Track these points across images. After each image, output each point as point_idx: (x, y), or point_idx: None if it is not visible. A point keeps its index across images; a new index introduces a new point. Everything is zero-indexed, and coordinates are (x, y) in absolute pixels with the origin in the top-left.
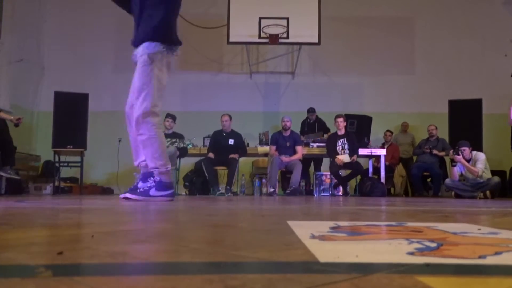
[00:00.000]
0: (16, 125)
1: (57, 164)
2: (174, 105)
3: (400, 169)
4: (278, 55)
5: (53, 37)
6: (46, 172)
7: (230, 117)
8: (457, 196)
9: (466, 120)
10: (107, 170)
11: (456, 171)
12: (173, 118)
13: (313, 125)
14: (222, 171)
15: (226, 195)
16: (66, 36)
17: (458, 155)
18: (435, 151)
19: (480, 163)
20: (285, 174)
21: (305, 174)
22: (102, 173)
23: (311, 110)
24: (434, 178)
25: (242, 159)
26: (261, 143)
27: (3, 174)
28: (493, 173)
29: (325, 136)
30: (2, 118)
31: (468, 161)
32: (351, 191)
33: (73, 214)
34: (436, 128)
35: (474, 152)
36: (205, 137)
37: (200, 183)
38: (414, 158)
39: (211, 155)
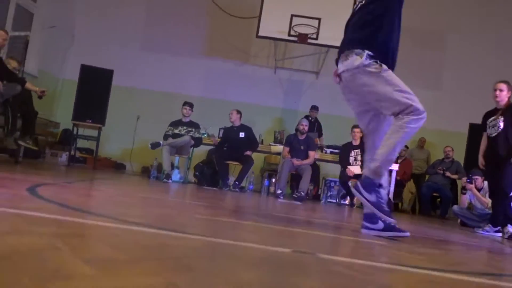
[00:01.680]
0: (40, 97)
1: (74, 135)
2: (195, 89)
3: (410, 185)
4: (305, 54)
5: (86, 6)
6: (63, 140)
7: (238, 111)
8: (463, 224)
9: None
10: (122, 145)
11: (465, 199)
12: (191, 106)
13: (313, 124)
14: (234, 164)
15: (233, 189)
16: (99, 7)
17: (471, 183)
18: (448, 173)
19: None
20: (295, 176)
21: (315, 178)
22: (117, 148)
23: (314, 108)
24: (443, 200)
25: (254, 154)
26: (276, 141)
27: (22, 143)
28: None
29: (320, 139)
30: (28, 89)
31: (479, 190)
32: (359, 201)
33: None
34: (453, 150)
35: (485, 183)
36: (220, 128)
37: (210, 174)
38: (427, 176)
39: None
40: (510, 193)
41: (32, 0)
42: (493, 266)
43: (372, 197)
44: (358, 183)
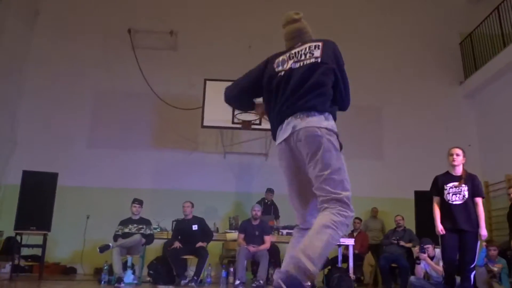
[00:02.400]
0: None
1: (18, 245)
2: (146, 182)
3: (369, 258)
4: (251, 138)
5: (28, 112)
6: (7, 249)
7: (192, 204)
8: None
9: (431, 211)
10: (72, 248)
11: (421, 268)
12: (140, 203)
13: (269, 207)
14: (190, 258)
15: (191, 284)
16: (41, 112)
17: (424, 253)
18: (402, 243)
19: None
20: (255, 262)
21: (275, 262)
22: (67, 251)
23: (270, 190)
24: (401, 271)
25: (211, 243)
26: (231, 227)
27: None
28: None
29: (276, 221)
30: None
31: (432, 258)
32: (320, 280)
33: None
34: (403, 218)
35: (437, 250)
36: (173, 221)
37: (165, 271)
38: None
39: (177, 244)
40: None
41: None
42: None
43: None
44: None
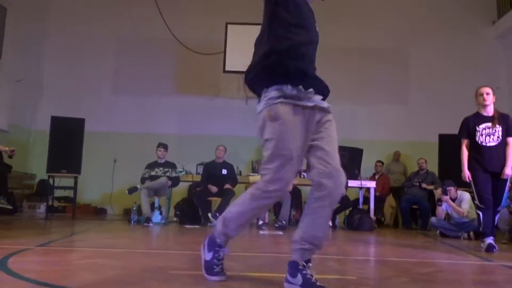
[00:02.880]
0: (10, 157)
1: (51, 187)
2: (170, 128)
3: (390, 200)
4: None
5: (53, 57)
6: (40, 191)
7: (225, 149)
8: (442, 235)
9: (455, 155)
10: (101, 190)
11: (442, 210)
12: (165, 147)
13: None
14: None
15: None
16: (66, 56)
17: (446, 194)
18: (424, 185)
19: (465, 203)
20: (276, 204)
21: (297, 203)
22: (96, 193)
23: None
24: (422, 212)
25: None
26: (254, 171)
27: None
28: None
29: None
30: None
31: (454, 200)
32: (341, 221)
33: None
34: (426, 161)
35: (459, 192)
36: (198, 164)
37: (191, 211)
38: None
39: (213, 188)
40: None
41: None
42: None
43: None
44: (206, 239)
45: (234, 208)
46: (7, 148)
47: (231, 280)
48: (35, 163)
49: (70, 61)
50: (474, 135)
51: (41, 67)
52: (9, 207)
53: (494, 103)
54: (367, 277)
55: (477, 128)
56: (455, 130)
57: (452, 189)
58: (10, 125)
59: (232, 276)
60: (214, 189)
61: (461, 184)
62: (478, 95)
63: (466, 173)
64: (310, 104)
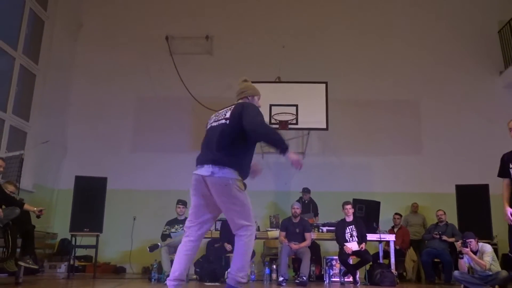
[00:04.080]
0: (38, 217)
1: (73, 246)
2: (188, 184)
3: (411, 253)
4: (288, 138)
5: (76, 119)
6: (62, 250)
7: None
8: None
9: (474, 205)
10: (121, 248)
11: (464, 263)
12: (184, 203)
13: (307, 205)
14: None
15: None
16: (88, 117)
17: (466, 247)
18: (444, 237)
19: (487, 256)
20: (296, 259)
21: (316, 258)
22: (116, 251)
23: (305, 190)
24: (445, 266)
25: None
26: (272, 226)
27: (22, 263)
28: (507, 257)
29: (316, 218)
30: (26, 209)
31: (475, 252)
32: (362, 276)
33: None
34: (445, 213)
35: (480, 244)
36: (216, 220)
37: (210, 269)
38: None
39: (228, 247)
40: None
41: (24, 120)
42: None
43: None
44: None
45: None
46: (35, 209)
47: None
48: (57, 222)
49: (91, 121)
50: (509, 173)
51: (65, 129)
52: (35, 266)
53: None
54: None
55: (511, 165)
56: (471, 181)
57: (472, 241)
58: (35, 185)
59: None
60: (229, 247)
61: (482, 236)
62: (510, 130)
63: (508, 212)
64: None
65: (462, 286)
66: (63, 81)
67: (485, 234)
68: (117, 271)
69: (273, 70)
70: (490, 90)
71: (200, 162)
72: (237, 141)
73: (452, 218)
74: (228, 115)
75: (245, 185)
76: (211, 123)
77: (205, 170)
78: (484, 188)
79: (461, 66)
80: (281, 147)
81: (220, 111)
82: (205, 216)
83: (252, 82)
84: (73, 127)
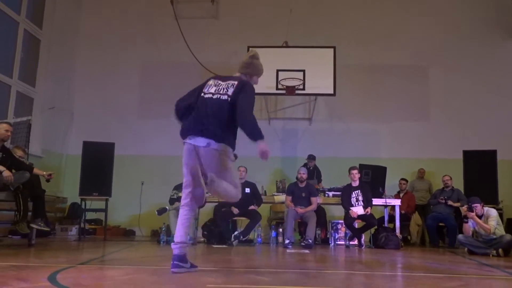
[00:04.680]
0: (48, 181)
1: (83, 209)
2: None
3: (416, 218)
4: (295, 103)
5: (82, 85)
6: (72, 214)
7: (246, 169)
8: (470, 252)
9: (480, 171)
10: (130, 212)
11: (469, 227)
12: None
13: (312, 172)
14: (241, 220)
15: (234, 241)
16: (94, 83)
17: (472, 211)
18: (450, 202)
19: (492, 220)
20: (302, 223)
21: (321, 222)
22: (125, 215)
23: (311, 157)
24: (449, 230)
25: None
26: (278, 190)
27: (34, 226)
28: (510, 221)
29: (319, 185)
30: (36, 174)
31: (480, 217)
32: (367, 240)
33: None
34: (451, 178)
35: (485, 208)
36: None
37: (218, 232)
38: (431, 206)
39: (235, 210)
40: None
41: (31, 86)
42: None
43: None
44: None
45: None
46: (44, 173)
47: None
48: (67, 187)
49: (98, 88)
50: None
51: (71, 95)
52: (47, 229)
53: None
54: None
55: None
56: (479, 146)
57: (478, 206)
58: (44, 151)
59: None
60: (235, 210)
61: (488, 201)
62: None
63: None
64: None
65: (466, 249)
66: (68, 47)
67: (491, 199)
68: (127, 234)
69: (280, 35)
70: (501, 56)
71: (194, 132)
72: (234, 118)
73: (458, 183)
74: (230, 92)
75: (236, 156)
76: (210, 92)
77: (201, 141)
78: (492, 154)
79: (471, 32)
80: (258, 138)
81: (221, 83)
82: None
83: (259, 47)
84: (80, 93)
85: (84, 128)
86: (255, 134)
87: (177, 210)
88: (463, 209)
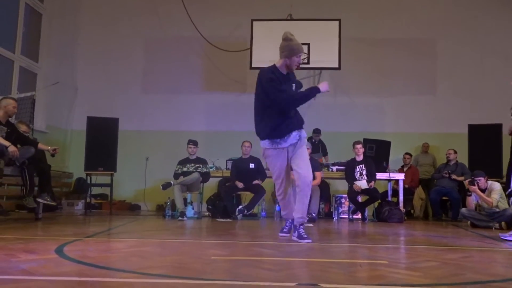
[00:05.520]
0: (53, 155)
1: (88, 184)
2: (199, 125)
3: (420, 192)
4: (300, 78)
5: (85, 60)
6: (78, 188)
7: (251, 144)
8: (473, 225)
9: (485, 145)
10: (135, 187)
11: (472, 200)
12: (195, 143)
13: (317, 146)
14: (245, 194)
15: (238, 215)
16: (98, 58)
17: (474, 185)
18: (453, 176)
19: (495, 193)
20: None
21: (325, 197)
22: (131, 190)
23: (316, 131)
24: (452, 203)
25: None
26: None
27: (41, 200)
28: None
29: (325, 158)
30: (41, 149)
31: (484, 190)
32: (370, 214)
33: None
34: (455, 152)
35: (489, 182)
36: (227, 160)
37: (222, 206)
38: (435, 180)
39: (239, 184)
40: None
41: (34, 61)
42: (487, 274)
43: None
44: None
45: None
46: (49, 148)
47: (269, 264)
48: (72, 162)
49: (101, 62)
50: None
51: (74, 70)
52: (53, 203)
53: None
54: (398, 261)
55: None
56: (484, 120)
57: (482, 180)
58: (48, 126)
59: (269, 261)
60: (240, 185)
61: (492, 175)
62: None
63: None
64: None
65: (468, 222)
66: (71, 22)
67: (496, 173)
68: (132, 208)
69: (285, 7)
70: (509, 28)
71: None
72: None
73: (463, 157)
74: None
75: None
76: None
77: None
78: (498, 128)
79: (481, 4)
80: (315, 92)
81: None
82: None
83: (263, 20)
84: (83, 69)
85: (88, 103)
86: (309, 96)
87: (181, 184)
88: (466, 182)
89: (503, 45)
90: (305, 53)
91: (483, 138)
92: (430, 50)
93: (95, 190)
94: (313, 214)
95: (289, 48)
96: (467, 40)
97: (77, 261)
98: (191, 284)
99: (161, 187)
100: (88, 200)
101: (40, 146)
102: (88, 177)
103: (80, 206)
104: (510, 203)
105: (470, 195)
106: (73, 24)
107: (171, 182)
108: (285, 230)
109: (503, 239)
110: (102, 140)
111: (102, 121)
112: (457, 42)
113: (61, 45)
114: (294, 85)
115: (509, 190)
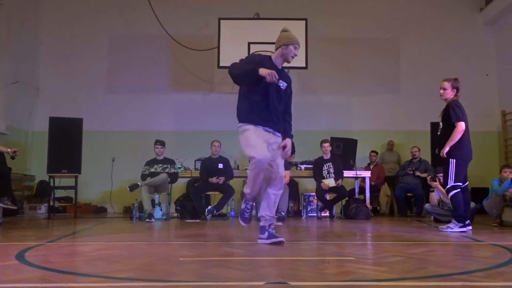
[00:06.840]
0: (13, 158)
1: (52, 187)
2: (166, 124)
3: (385, 189)
4: None
5: (47, 58)
6: (41, 191)
7: (220, 143)
8: (436, 220)
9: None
10: (101, 189)
11: (434, 196)
12: (162, 144)
13: None
14: (214, 194)
15: (207, 216)
16: (60, 57)
17: (435, 181)
18: (417, 173)
19: None
20: None
21: (294, 195)
22: (96, 192)
23: None
24: (417, 199)
25: (234, 179)
26: None
27: (0, 204)
28: (476, 190)
29: (292, 156)
30: (0, 151)
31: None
32: (338, 211)
33: None
34: (419, 149)
35: None
36: (196, 160)
37: (191, 207)
38: (400, 177)
39: (214, 180)
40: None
41: None
42: (449, 267)
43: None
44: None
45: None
46: (9, 150)
47: (238, 264)
48: (34, 164)
49: (64, 61)
50: None
51: (35, 69)
52: (14, 207)
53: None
54: (364, 257)
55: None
56: None
57: (443, 176)
58: (8, 127)
59: (238, 261)
60: (214, 180)
61: None
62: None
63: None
64: None
65: (432, 218)
66: (31, 19)
67: None
68: (98, 211)
69: (252, 6)
70: (470, 28)
71: None
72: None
73: (426, 155)
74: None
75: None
76: None
77: None
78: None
79: (441, 4)
80: (252, 73)
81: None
82: None
83: (230, 18)
84: (45, 67)
85: (50, 103)
86: (247, 72)
87: (149, 186)
88: (428, 178)
89: (463, 43)
90: (272, 52)
91: None
92: (393, 49)
93: (59, 193)
94: (282, 213)
95: (286, 36)
96: (429, 39)
97: (39, 266)
98: (159, 286)
99: (128, 188)
100: (51, 203)
101: None
102: (51, 180)
103: (43, 209)
104: (449, 197)
105: (433, 191)
106: (34, 21)
107: (138, 183)
108: (245, 215)
109: (442, 231)
110: (65, 141)
111: (66, 121)
112: (420, 41)
113: (21, 42)
114: (282, 83)
115: (448, 186)
